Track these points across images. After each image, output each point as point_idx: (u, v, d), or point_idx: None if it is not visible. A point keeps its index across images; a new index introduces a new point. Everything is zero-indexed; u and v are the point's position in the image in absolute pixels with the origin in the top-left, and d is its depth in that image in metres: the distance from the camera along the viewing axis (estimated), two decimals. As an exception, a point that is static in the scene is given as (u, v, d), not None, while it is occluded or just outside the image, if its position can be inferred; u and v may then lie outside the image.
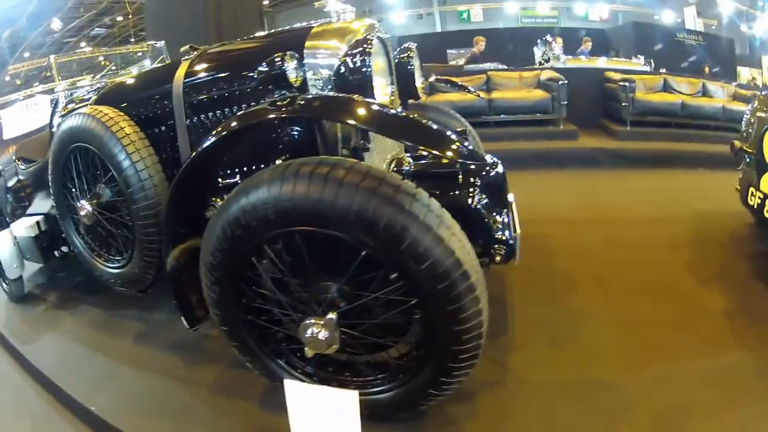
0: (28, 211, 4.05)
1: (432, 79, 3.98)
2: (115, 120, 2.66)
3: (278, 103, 1.88)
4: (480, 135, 6.32)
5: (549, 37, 10.41)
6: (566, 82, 6.94)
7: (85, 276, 3.53)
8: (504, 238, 2.26)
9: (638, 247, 3.64)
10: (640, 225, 4.08)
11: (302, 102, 1.83)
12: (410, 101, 3.40)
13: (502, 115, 7.06)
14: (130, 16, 23.55)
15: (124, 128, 2.64)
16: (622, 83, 6.99)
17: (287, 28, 2.80)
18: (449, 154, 1.66)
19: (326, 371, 2.03)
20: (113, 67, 6.33)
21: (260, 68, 2.15)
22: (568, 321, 2.70)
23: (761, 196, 3.12)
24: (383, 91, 2.45)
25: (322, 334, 1.75)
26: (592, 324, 2.67)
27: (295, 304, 1.88)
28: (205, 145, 1.90)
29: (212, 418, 2.25)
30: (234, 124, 1.86)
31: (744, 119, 3.68)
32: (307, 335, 1.76)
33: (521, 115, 7.04)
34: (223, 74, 2.54)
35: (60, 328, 3.52)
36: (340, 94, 2.05)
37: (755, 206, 3.20)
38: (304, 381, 1.99)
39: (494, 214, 2.40)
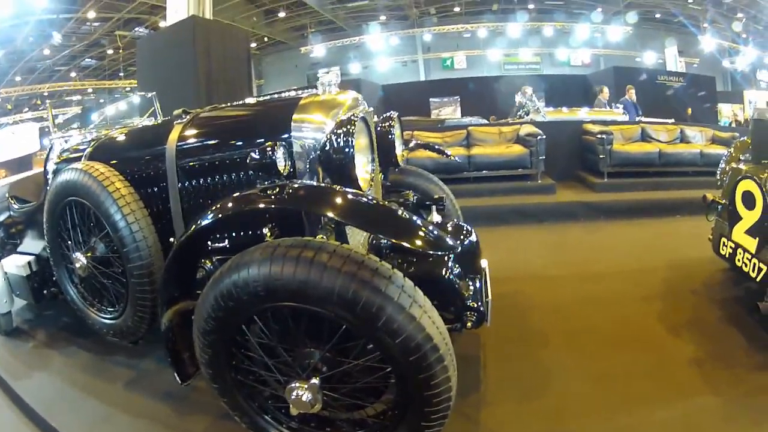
0: (20, 249, 4.21)
1: (412, 144, 4.20)
2: (110, 179, 2.84)
3: (269, 192, 2.07)
4: (460, 191, 6.59)
5: (527, 89, 10.76)
6: (544, 137, 7.17)
7: (72, 317, 3.66)
8: (474, 305, 2.49)
9: (611, 301, 3.82)
10: (614, 278, 4.26)
11: (290, 192, 2.03)
12: (391, 168, 3.61)
13: (483, 172, 7.26)
14: (121, 50, 23.88)
15: (119, 188, 2.82)
16: (599, 136, 7.18)
17: (276, 96, 3.06)
18: (418, 244, 1.87)
19: (309, 426, 2.21)
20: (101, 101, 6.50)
21: (252, 155, 2.33)
22: (541, 376, 2.84)
23: (732, 245, 3.33)
24: (365, 168, 2.64)
25: (306, 396, 1.96)
26: (564, 378, 2.81)
27: (281, 368, 2.08)
28: (202, 223, 2.11)
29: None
30: (229, 206, 2.08)
31: (719, 167, 3.92)
32: (292, 397, 1.97)
33: (500, 171, 7.25)
34: (213, 142, 2.80)
35: (51, 367, 3.67)
36: (322, 185, 2.26)
37: (727, 256, 3.41)
38: None
39: (467, 280, 2.67)
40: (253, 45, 31.66)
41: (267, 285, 1.85)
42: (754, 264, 3.08)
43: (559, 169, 7.62)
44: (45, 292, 3.95)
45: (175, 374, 2.40)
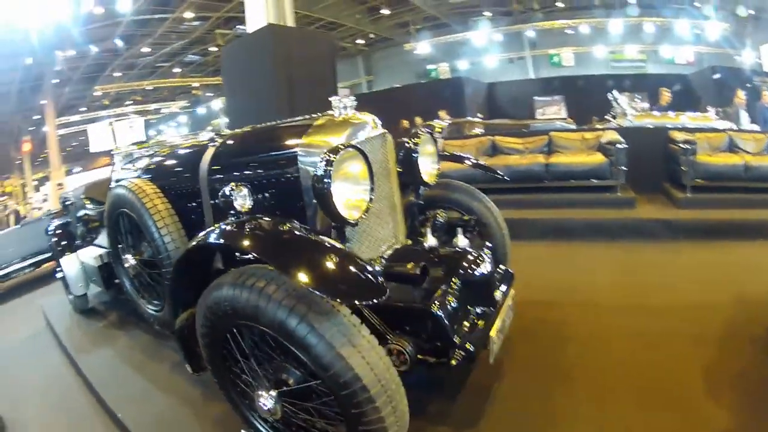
0: (96, 242, 5.06)
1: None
2: (150, 196, 3.52)
3: (220, 227, 2.43)
4: (535, 201, 6.45)
5: (615, 93, 10.28)
6: (625, 145, 6.81)
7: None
8: (460, 342, 2.49)
9: (659, 340, 3.51)
10: (671, 312, 3.92)
11: (224, 230, 2.38)
12: (421, 187, 3.59)
13: (557, 182, 7.08)
14: (220, 47, 25.11)
15: (157, 204, 3.50)
16: (682, 145, 6.75)
17: (296, 119, 3.16)
18: (327, 288, 1.97)
19: (290, 430, 2.44)
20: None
21: (222, 192, 2.66)
22: (545, 421, 2.72)
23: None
24: (350, 197, 2.66)
25: (266, 404, 2.29)
26: (569, 428, 2.68)
27: (254, 376, 2.40)
28: (187, 248, 2.53)
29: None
30: (197, 237, 2.47)
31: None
32: (258, 402, 2.32)
33: (578, 181, 6.99)
34: (236, 161, 3.19)
35: (112, 345, 4.68)
36: (257, 221, 2.42)
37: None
38: None
39: (471, 314, 2.71)
40: (362, 41, 32.38)
41: (233, 305, 2.18)
42: None
43: (644, 181, 7.20)
44: (114, 281, 4.64)
45: (188, 366, 2.84)
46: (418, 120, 13.76)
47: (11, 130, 30.17)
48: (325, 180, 2.47)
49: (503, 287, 3.08)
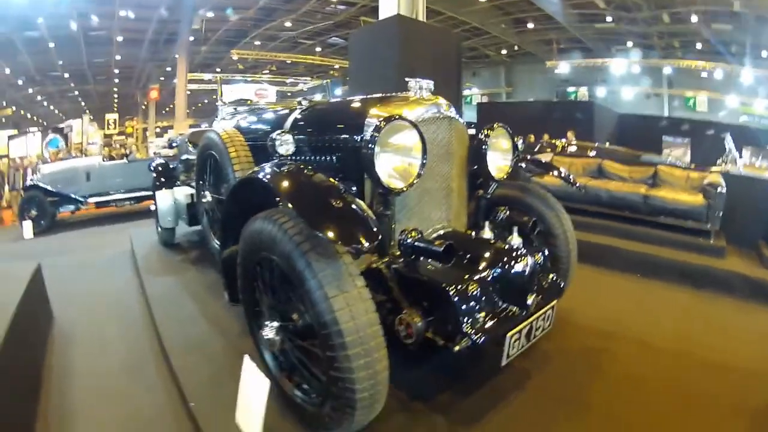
0: (191, 183, 5.56)
1: (524, 164, 4.10)
2: (233, 142, 4.05)
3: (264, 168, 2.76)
4: (628, 231, 6.38)
5: (729, 137, 9.85)
6: (724, 189, 6.50)
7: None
8: (469, 332, 2.51)
9: (694, 397, 3.20)
10: (722, 375, 3.52)
11: (265, 170, 2.69)
12: (490, 182, 3.63)
13: (652, 216, 6.88)
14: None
15: (239, 151, 4.00)
16: None
17: (376, 95, 3.33)
18: (330, 234, 2.18)
19: (288, 363, 2.76)
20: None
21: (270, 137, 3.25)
22: None
23: None
24: (398, 165, 2.80)
25: (268, 334, 2.59)
26: None
27: (267, 308, 2.75)
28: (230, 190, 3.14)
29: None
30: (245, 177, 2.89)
31: None
32: (263, 331, 2.63)
33: (673, 219, 6.76)
34: (313, 128, 3.47)
35: (179, 276, 5.31)
36: (292, 168, 2.69)
37: None
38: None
39: (494, 308, 2.71)
40: (505, 52, 32.37)
41: (260, 236, 2.48)
42: None
43: (740, 234, 6.78)
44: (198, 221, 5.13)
45: (226, 294, 3.21)
46: (546, 136, 13.73)
47: (139, 75, 32.12)
48: (370, 145, 2.64)
49: (543, 296, 2.96)
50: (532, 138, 13.86)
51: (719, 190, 6.51)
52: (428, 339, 2.58)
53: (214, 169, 4.46)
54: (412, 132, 2.75)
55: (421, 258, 2.72)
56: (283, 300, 2.58)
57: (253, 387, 2.58)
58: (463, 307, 2.54)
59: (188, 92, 29.13)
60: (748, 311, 5.05)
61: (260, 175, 2.62)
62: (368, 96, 3.34)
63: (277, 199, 2.53)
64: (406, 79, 3.18)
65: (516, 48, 31.75)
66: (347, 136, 3.06)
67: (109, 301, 5.10)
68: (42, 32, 22.06)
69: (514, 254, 2.88)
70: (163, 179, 6.33)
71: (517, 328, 2.67)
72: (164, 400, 3.25)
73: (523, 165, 4.03)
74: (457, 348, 2.48)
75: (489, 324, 2.58)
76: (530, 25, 27.09)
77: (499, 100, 32.66)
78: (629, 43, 27.18)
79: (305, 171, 2.62)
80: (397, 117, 2.71)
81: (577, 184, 4.27)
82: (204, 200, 4.66)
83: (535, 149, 10.53)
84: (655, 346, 3.91)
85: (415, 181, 2.78)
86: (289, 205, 2.34)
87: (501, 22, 26.93)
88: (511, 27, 27.97)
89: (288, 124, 3.68)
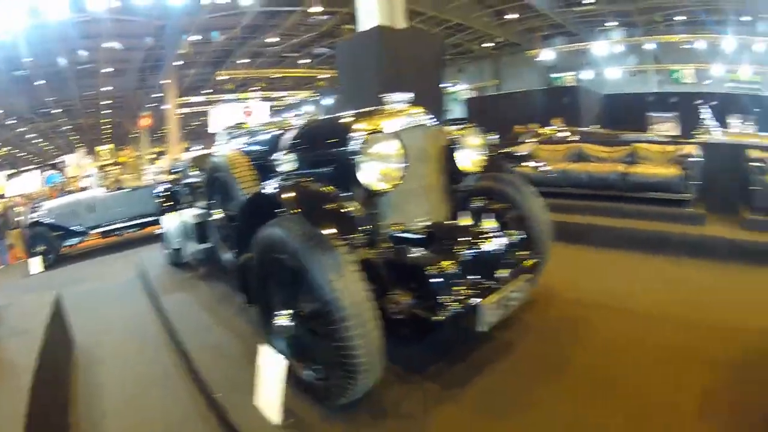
0: (196, 204, 5.94)
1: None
2: (238, 164, 4.65)
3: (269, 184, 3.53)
4: (610, 209, 7.06)
5: (705, 108, 10.15)
6: (700, 159, 6.81)
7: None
8: (447, 303, 3.01)
9: (674, 355, 3.43)
10: (702, 331, 3.76)
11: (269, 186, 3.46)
12: (466, 175, 4.08)
13: (632, 192, 7.16)
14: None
15: (242, 170, 4.58)
16: (753, 163, 6.54)
17: (362, 110, 3.81)
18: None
19: (301, 347, 3.16)
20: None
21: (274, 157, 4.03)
22: (519, 409, 2.96)
23: None
24: (382, 170, 3.29)
25: (281, 322, 3.05)
26: (536, 419, 2.86)
27: (279, 300, 3.17)
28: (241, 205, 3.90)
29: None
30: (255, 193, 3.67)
31: None
32: (277, 321, 3.07)
33: (652, 193, 7.00)
34: (309, 143, 4.02)
35: (192, 290, 5.81)
36: (288, 183, 3.37)
37: None
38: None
39: (469, 282, 3.21)
40: (491, 45, 32.78)
41: (271, 239, 3.00)
42: None
43: (720, 200, 7.07)
44: (207, 238, 5.60)
45: (243, 297, 3.72)
46: (532, 126, 14.06)
47: (130, 104, 32.53)
48: (355, 156, 3.22)
49: (515, 270, 3.44)
50: (519, 129, 14.09)
51: (693, 159, 6.85)
52: (415, 314, 3.01)
53: (222, 189, 4.94)
54: (391, 142, 3.27)
55: (406, 246, 3.22)
56: (292, 292, 3.04)
57: (270, 369, 3.04)
58: (441, 283, 3.04)
59: (181, 116, 29.59)
60: (726, 272, 5.32)
61: (267, 191, 3.32)
62: (354, 111, 3.84)
63: (283, 209, 3.12)
64: (381, 96, 3.68)
65: (501, 40, 32.12)
66: (337, 149, 3.53)
67: (125, 322, 5.54)
68: (30, 71, 22.40)
69: (486, 236, 3.40)
70: (168, 203, 6.81)
71: (489, 298, 3.07)
72: (188, 400, 3.65)
73: (500, 157, 4.51)
74: (439, 318, 2.93)
75: (463, 296, 3.06)
76: (512, 16, 27.63)
77: (488, 94, 32.87)
78: (612, 23, 27.74)
79: (304, 183, 3.25)
80: (376, 131, 3.28)
81: (547, 171, 4.66)
82: (213, 218, 5.18)
83: (519, 140, 10.84)
84: (634, 312, 4.21)
85: (397, 184, 3.28)
86: (293, 212, 2.96)
87: (483, 15, 27.33)
88: (494, 20, 28.37)
89: (286, 143, 4.20)
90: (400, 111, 3.64)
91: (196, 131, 40.22)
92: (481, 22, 28.06)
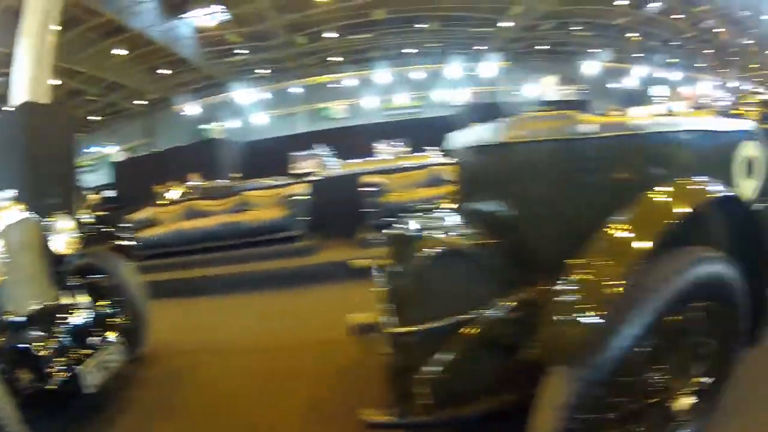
0: None
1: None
2: None
3: None
4: (224, 258, 7.34)
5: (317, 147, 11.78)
6: (307, 197, 7.57)
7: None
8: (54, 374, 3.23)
9: (269, 375, 3.94)
10: (293, 352, 4.31)
11: None
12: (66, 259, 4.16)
13: (244, 238, 7.61)
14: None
15: None
16: (367, 188, 7.51)
17: None
18: None
19: None
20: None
21: None
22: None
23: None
24: None
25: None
26: None
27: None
28: None
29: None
30: None
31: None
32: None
33: (265, 236, 7.47)
34: None
35: None
36: None
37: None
38: None
39: (68, 352, 3.44)
40: (143, 102, 32.04)
41: None
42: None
43: (340, 228, 7.86)
44: None
45: None
46: (169, 184, 14.22)
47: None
48: None
49: (107, 334, 3.78)
50: (159, 188, 14.12)
51: (299, 198, 7.58)
52: (38, 388, 3.19)
53: None
54: None
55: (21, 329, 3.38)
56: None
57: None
58: (47, 357, 3.29)
59: None
60: (338, 290, 5.85)
61: None
62: None
63: None
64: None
65: (154, 96, 31.76)
66: None
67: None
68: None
69: (78, 309, 3.78)
70: None
71: (86, 363, 3.35)
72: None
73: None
74: (51, 387, 3.18)
75: (65, 365, 3.29)
76: (165, 71, 27.75)
77: (138, 154, 31.77)
78: (264, 71, 29.29)
79: None
80: None
81: (134, 240, 5.01)
82: None
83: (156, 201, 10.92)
84: (235, 347, 4.70)
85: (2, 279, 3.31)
86: None
87: (138, 72, 27.10)
88: (148, 75, 28.25)
89: None
90: (3, 208, 3.70)
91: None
92: (136, 79, 27.80)
